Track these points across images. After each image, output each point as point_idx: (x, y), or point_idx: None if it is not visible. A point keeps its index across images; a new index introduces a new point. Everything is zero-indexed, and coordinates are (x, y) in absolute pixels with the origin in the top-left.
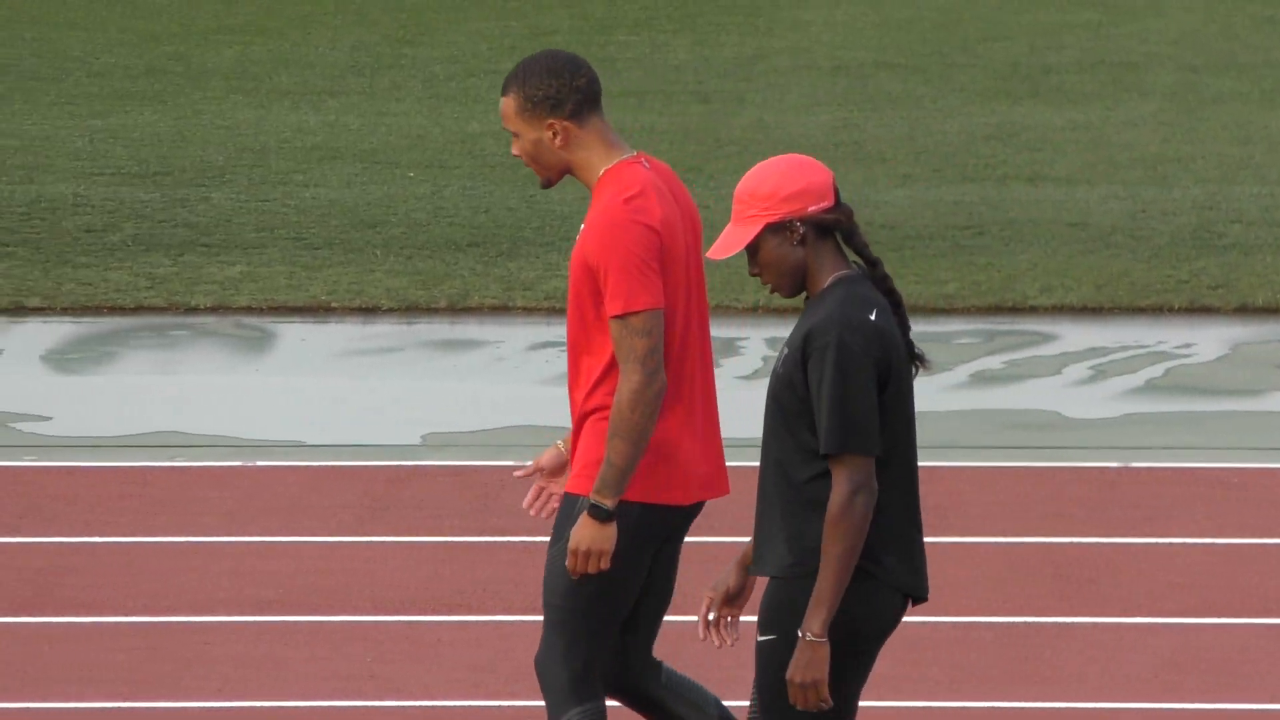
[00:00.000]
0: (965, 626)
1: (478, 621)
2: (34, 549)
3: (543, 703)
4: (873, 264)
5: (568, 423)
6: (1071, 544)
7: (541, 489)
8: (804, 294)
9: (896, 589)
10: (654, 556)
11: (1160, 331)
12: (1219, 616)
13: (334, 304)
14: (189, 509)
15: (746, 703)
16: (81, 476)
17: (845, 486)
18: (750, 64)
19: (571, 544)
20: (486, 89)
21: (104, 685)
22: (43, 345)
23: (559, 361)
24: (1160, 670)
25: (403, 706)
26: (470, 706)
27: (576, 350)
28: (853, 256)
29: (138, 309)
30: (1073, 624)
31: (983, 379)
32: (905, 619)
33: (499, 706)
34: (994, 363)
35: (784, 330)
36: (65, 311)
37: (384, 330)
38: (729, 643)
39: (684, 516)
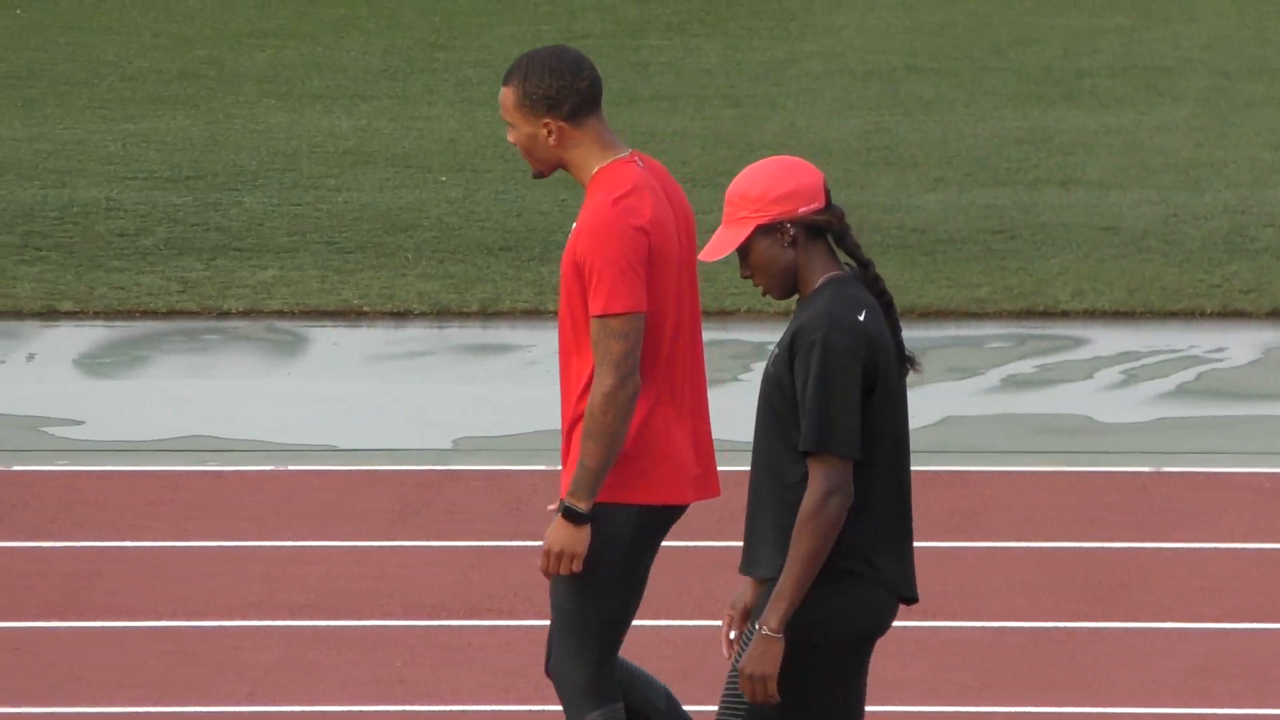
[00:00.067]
0: (996, 631)
1: (508, 626)
2: (66, 553)
3: None
4: (864, 265)
5: None
6: (1103, 549)
7: None
8: (796, 296)
9: (888, 590)
10: None
11: (1192, 336)
12: (1251, 622)
13: (366, 308)
14: (221, 513)
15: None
16: (113, 481)
17: (821, 486)
18: (782, 68)
19: (545, 544)
20: None
21: (135, 690)
22: (75, 349)
23: None
24: (1191, 675)
25: (433, 711)
26: (501, 711)
27: (567, 352)
28: (845, 259)
29: (170, 313)
30: (1104, 629)
31: (1014, 383)
32: (936, 624)
33: (529, 711)
34: (1025, 367)
35: (775, 333)
36: (98, 315)
37: (416, 334)
38: None
39: (679, 516)
